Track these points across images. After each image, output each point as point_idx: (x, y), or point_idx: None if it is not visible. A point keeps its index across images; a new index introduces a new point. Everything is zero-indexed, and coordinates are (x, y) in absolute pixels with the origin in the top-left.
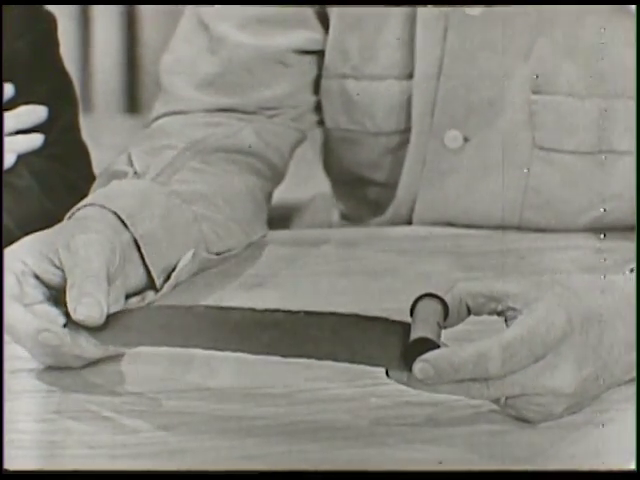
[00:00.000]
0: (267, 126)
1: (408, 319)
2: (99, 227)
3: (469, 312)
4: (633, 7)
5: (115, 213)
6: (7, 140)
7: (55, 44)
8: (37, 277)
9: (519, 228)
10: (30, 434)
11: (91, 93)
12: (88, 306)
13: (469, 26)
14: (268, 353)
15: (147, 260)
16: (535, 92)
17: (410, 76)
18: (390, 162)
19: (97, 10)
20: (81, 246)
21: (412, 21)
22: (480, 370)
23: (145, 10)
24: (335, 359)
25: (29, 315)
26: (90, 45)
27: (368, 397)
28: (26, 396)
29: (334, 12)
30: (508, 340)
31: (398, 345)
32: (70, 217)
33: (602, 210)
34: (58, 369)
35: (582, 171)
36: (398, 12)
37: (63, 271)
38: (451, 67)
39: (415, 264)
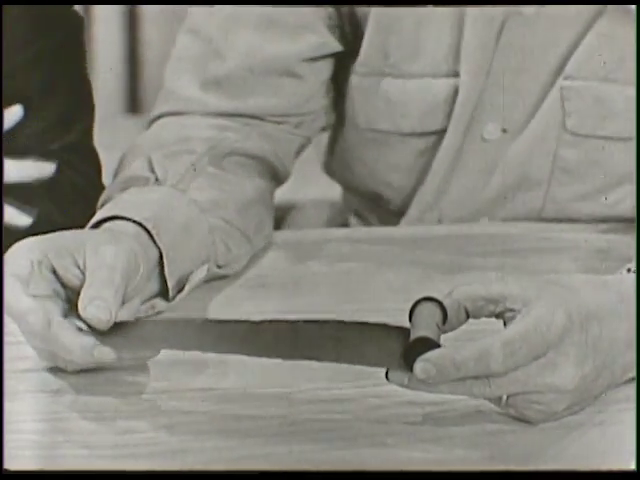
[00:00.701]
0: (272, 132)
1: (409, 320)
2: (129, 242)
3: (468, 316)
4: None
5: (140, 224)
6: (16, 164)
7: (80, 47)
8: (54, 271)
9: (541, 217)
10: (30, 434)
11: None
12: (99, 308)
13: (523, 25)
14: (268, 355)
15: (166, 270)
16: (567, 78)
17: (449, 74)
18: (416, 165)
19: (98, 10)
20: (109, 254)
21: (456, 21)
22: (482, 368)
23: (146, 10)
24: (336, 360)
25: (37, 304)
26: (91, 45)
27: (369, 397)
28: (26, 396)
29: (372, 12)
30: (509, 337)
31: (398, 347)
32: (95, 226)
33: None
34: (60, 370)
35: (610, 155)
36: (440, 12)
37: (83, 273)
38: (501, 65)
39: (417, 263)
